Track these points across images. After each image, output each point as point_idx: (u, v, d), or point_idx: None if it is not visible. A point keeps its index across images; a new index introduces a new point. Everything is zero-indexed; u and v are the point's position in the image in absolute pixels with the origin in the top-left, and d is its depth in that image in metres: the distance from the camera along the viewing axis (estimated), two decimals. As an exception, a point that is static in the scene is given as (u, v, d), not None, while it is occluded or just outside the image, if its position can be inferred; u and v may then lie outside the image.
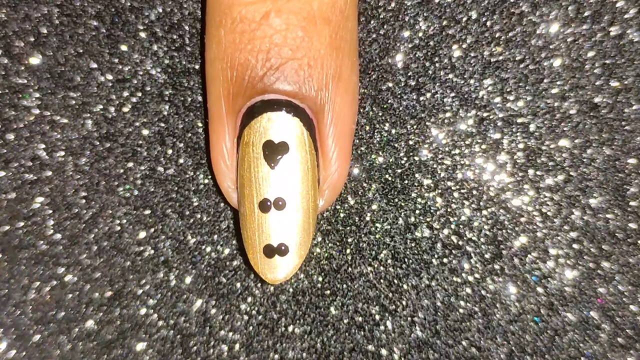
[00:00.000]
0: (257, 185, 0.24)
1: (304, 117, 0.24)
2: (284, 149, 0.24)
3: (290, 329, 0.29)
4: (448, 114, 0.28)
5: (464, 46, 0.28)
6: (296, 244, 0.24)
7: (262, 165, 0.24)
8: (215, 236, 0.29)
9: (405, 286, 0.29)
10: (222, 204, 0.29)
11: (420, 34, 0.28)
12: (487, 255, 0.28)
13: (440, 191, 0.28)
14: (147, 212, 0.29)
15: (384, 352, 0.28)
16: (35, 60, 0.28)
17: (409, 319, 0.28)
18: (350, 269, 0.29)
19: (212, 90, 0.24)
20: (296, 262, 0.24)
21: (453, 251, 0.28)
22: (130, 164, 0.28)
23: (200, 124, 0.29)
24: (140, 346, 0.29)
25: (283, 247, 0.24)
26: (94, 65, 0.28)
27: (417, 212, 0.28)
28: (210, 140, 0.25)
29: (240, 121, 0.24)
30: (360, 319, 0.29)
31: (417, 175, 0.28)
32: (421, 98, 0.28)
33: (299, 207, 0.24)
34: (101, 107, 0.28)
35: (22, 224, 0.28)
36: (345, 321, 0.29)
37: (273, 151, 0.24)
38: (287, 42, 0.23)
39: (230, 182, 0.25)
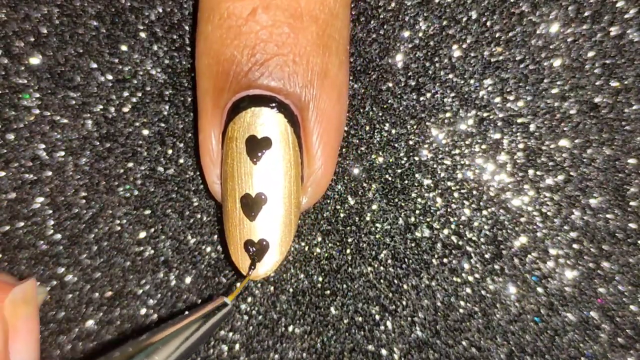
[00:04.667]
0: (239, 180, 0.24)
1: (288, 113, 0.24)
2: (267, 145, 0.24)
3: (290, 329, 0.29)
4: (448, 114, 0.28)
5: (464, 46, 0.28)
6: (277, 241, 0.24)
7: (245, 161, 0.24)
8: (215, 236, 0.29)
9: (405, 286, 0.29)
10: (222, 204, 0.29)
11: (420, 34, 0.28)
12: (487, 255, 0.28)
13: (440, 191, 0.28)
14: (147, 212, 0.29)
15: (384, 352, 0.28)
16: (35, 60, 0.28)
17: (409, 319, 0.28)
18: (350, 269, 0.29)
19: (199, 85, 0.24)
20: (277, 259, 0.24)
21: (453, 251, 0.28)
22: (130, 164, 0.28)
23: (200, 124, 0.29)
24: (140, 346, 0.28)
25: (264, 243, 0.24)
26: (94, 65, 0.28)
27: (417, 212, 0.28)
28: (199, 135, 0.25)
29: (225, 116, 0.24)
30: (360, 319, 0.29)
31: (417, 175, 0.28)
32: (421, 98, 0.28)
33: (280, 203, 0.24)
34: (101, 107, 0.28)
35: (22, 224, 0.28)
36: (345, 321, 0.29)
37: (256, 146, 0.24)
38: (272, 38, 0.23)
39: (215, 177, 0.25)
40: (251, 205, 0.24)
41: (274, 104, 0.23)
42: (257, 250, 0.24)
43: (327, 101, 0.24)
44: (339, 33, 0.24)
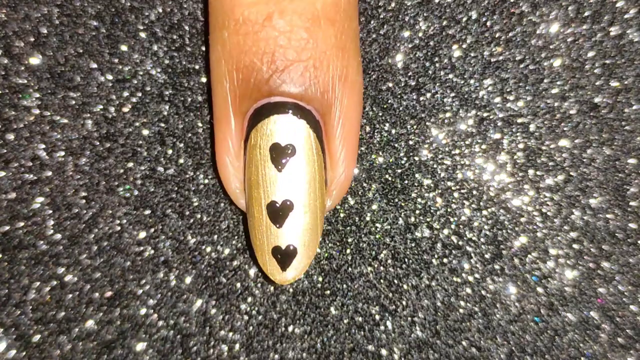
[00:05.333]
0: (264, 188, 0.24)
1: (311, 119, 0.24)
2: (291, 152, 0.23)
3: (290, 329, 0.29)
4: (448, 114, 0.28)
5: (464, 46, 0.28)
6: (304, 245, 0.24)
7: (269, 168, 0.24)
8: (215, 236, 0.29)
9: (405, 286, 0.29)
10: (222, 204, 0.29)
11: (420, 34, 0.28)
12: (487, 255, 0.28)
13: (440, 191, 0.28)
14: (147, 212, 0.29)
15: (384, 352, 0.28)
16: (35, 60, 0.28)
17: (409, 319, 0.28)
18: (350, 269, 0.29)
19: (217, 92, 0.24)
20: (304, 263, 0.24)
21: (453, 251, 0.28)
22: (130, 164, 0.28)
23: (200, 124, 0.29)
24: (140, 346, 0.28)
25: (291, 248, 0.24)
26: (94, 65, 0.28)
27: (417, 212, 0.28)
28: (216, 142, 0.25)
29: (247, 123, 0.24)
30: (360, 319, 0.29)
31: (417, 175, 0.28)
32: (421, 98, 0.28)
33: (306, 209, 0.24)
34: (101, 107, 0.28)
35: (22, 224, 0.28)
36: (345, 321, 0.29)
37: (280, 154, 0.23)
38: (291, 43, 0.23)
39: (237, 185, 0.25)
40: (278, 213, 0.24)
41: (296, 111, 0.23)
42: (284, 255, 0.24)
43: (348, 104, 0.24)
44: (354, 34, 0.24)
